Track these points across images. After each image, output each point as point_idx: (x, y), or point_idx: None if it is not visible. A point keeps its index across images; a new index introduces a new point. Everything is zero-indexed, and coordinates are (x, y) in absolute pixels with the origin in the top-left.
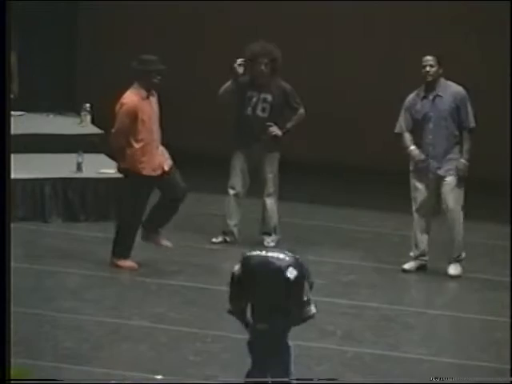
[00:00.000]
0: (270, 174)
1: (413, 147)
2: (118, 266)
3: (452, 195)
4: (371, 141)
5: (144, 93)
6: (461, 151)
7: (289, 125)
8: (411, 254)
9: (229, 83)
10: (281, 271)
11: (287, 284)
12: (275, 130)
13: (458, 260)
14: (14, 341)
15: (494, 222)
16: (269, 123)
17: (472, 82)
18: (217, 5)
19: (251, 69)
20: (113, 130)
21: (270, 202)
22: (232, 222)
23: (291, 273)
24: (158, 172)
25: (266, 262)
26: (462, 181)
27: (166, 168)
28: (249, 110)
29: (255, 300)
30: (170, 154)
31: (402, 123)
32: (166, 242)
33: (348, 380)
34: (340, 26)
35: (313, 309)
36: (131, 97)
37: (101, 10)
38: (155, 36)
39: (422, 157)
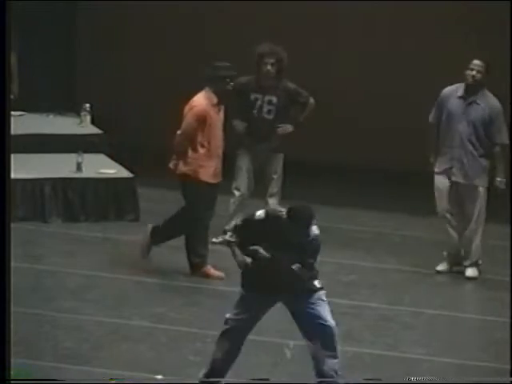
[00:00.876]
0: (275, 175)
1: (432, 158)
2: (207, 275)
3: (480, 205)
4: (371, 141)
5: (214, 98)
6: (493, 166)
7: (300, 117)
8: (444, 253)
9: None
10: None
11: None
12: (286, 129)
13: (476, 264)
14: (14, 341)
15: (493, 222)
16: (277, 125)
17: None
18: (217, 5)
19: (258, 69)
20: (179, 132)
21: (273, 203)
22: None
23: (316, 229)
24: (217, 180)
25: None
26: (484, 190)
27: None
28: (255, 113)
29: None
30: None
31: (432, 113)
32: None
33: (348, 380)
34: (341, 26)
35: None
36: (201, 100)
37: (100, 10)
38: (155, 36)
39: (441, 169)
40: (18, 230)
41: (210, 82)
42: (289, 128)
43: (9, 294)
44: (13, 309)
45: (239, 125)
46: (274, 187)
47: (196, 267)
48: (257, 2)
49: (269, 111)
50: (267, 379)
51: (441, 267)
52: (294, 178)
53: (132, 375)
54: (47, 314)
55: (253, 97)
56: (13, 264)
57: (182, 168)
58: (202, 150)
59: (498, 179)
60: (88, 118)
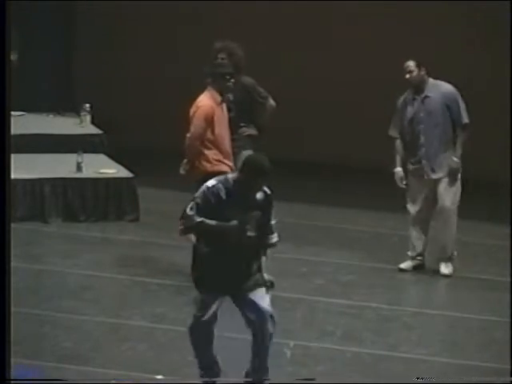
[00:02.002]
0: None
1: (398, 169)
2: None
3: (447, 195)
4: (371, 141)
5: (218, 97)
6: (455, 148)
7: (261, 122)
8: (408, 253)
9: None
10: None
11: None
12: (249, 131)
13: (450, 259)
14: (14, 341)
15: (493, 222)
16: (242, 124)
17: (472, 82)
18: (217, 5)
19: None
20: (188, 135)
21: None
22: None
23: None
24: None
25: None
26: (456, 180)
27: None
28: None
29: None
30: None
31: (393, 126)
32: None
33: (348, 380)
34: (340, 26)
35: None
36: (206, 100)
37: (100, 10)
38: (155, 36)
39: (403, 183)
40: (17, 230)
41: (212, 81)
42: (252, 131)
43: (9, 294)
44: (13, 309)
45: None
46: None
47: None
48: (257, 2)
49: (229, 109)
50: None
51: (404, 265)
52: (292, 178)
53: (132, 375)
54: (47, 314)
55: None
56: (13, 264)
57: (201, 167)
58: (214, 149)
59: (454, 159)
60: (88, 118)
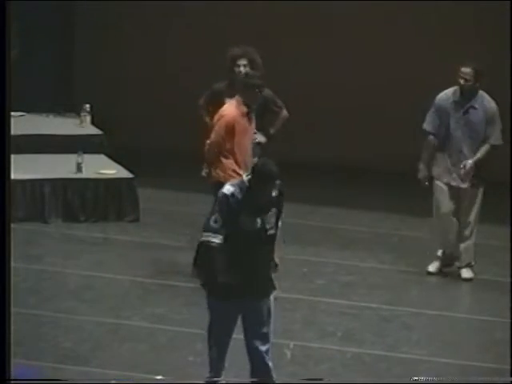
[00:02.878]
0: None
1: (422, 166)
2: None
3: (476, 207)
4: (371, 141)
5: (244, 108)
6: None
7: (272, 130)
8: (438, 254)
9: (207, 93)
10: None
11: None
12: (258, 138)
13: (470, 266)
14: (14, 341)
15: (493, 222)
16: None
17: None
18: (217, 4)
19: (231, 72)
20: (208, 141)
21: None
22: None
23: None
24: None
25: None
26: (481, 192)
27: None
28: None
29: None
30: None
31: (429, 121)
32: None
33: (348, 380)
34: (340, 27)
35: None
36: (231, 109)
37: (100, 10)
38: (155, 36)
39: (426, 183)
40: (17, 231)
41: (241, 91)
42: (261, 138)
43: (9, 294)
44: (13, 309)
45: None
46: None
47: None
48: (257, 2)
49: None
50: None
51: (432, 268)
52: (292, 179)
53: (132, 375)
54: (47, 315)
55: (226, 102)
56: (13, 264)
57: (215, 175)
58: (231, 159)
59: (469, 161)
60: (88, 118)
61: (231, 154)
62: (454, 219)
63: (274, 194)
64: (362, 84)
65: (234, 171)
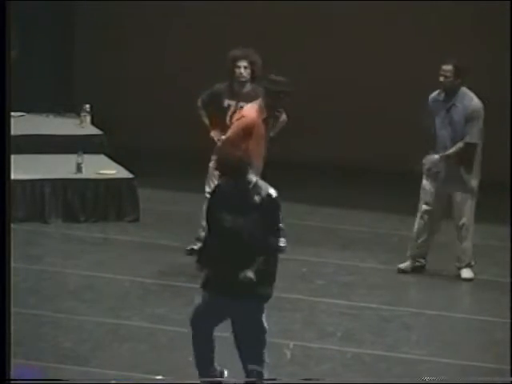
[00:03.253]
0: None
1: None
2: None
3: (466, 207)
4: (371, 141)
5: (265, 113)
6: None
7: (271, 134)
8: (408, 253)
9: (207, 93)
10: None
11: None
12: None
13: (470, 266)
14: (14, 341)
15: (493, 222)
16: None
17: (471, 82)
18: (217, 4)
19: (230, 74)
20: (223, 137)
21: None
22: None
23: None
24: None
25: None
26: (475, 192)
27: None
28: (227, 120)
29: None
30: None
31: (425, 119)
32: None
33: (348, 380)
34: (340, 26)
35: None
36: (252, 112)
37: (100, 10)
38: (155, 36)
39: (435, 170)
40: (18, 231)
41: (264, 96)
42: None
43: (9, 294)
44: (13, 309)
45: (216, 136)
46: None
47: None
48: (257, 2)
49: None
50: (274, 379)
51: (403, 265)
52: (292, 179)
53: (132, 375)
54: (47, 315)
55: (226, 103)
56: (13, 264)
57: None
58: None
59: (436, 156)
60: (88, 118)
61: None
62: (430, 217)
63: (258, 198)
64: (362, 84)
65: None
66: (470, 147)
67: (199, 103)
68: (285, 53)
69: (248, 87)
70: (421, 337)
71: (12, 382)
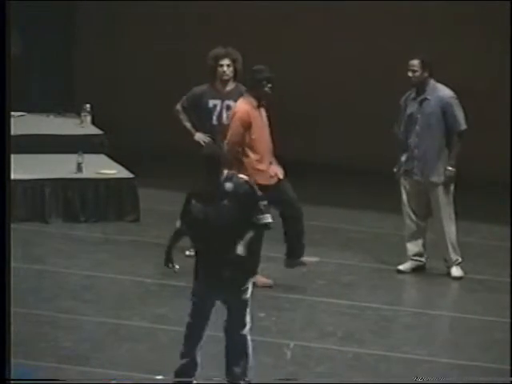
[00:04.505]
0: None
1: (397, 167)
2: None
3: (441, 202)
4: (371, 141)
5: (255, 102)
6: (449, 156)
7: None
8: (408, 253)
9: (186, 97)
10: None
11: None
12: None
13: (457, 264)
14: (14, 341)
15: (493, 222)
16: None
17: (472, 82)
18: (217, 4)
19: (213, 73)
20: (226, 141)
21: None
22: None
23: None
24: (273, 181)
25: None
26: (450, 186)
27: (281, 176)
28: (214, 120)
29: None
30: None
31: (397, 124)
32: (311, 259)
33: (348, 380)
34: (341, 27)
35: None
36: (242, 106)
37: (100, 10)
38: (155, 36)
39: (403, 170)
40: (18, 231)
41: (248, 87)
42: None
43: (9, 294)
44: (13, 309)
45: (201, 138)
46: None
47: None
48: (257, 3)
49: (228, 116)
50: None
51: (403, 267)
52: (292, 179)
53: (132, 375)
54: (47, 315)
55: (211, 103)
56: (13, 264)
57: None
58: (253, 155)
59: (450, 168)
60: (88, 118)
61: (252, 149)
62: (413, 216)
63: (228, 186)
64: (362, 84)
65: (255, 168)
66: (461, 135)
67: (179, 108)
68: (284, 53)
69: (231, 85)
70: (421, 337)
71: (12, 381)
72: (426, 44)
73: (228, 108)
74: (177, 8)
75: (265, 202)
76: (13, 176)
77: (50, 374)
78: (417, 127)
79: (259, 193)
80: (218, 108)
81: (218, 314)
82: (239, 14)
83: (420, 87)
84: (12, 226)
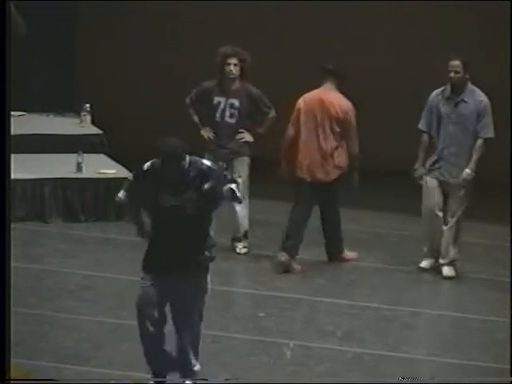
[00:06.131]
0: (239, 179)
1: (417, 165)
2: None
3: (461, 204)
4: (371, 141)
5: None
6: (471, 160)
7: (260, 130)
8: (424, 249)
9: (195, 91)
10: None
11: None
12: (246, 137)
13: (453, 264)
14: (14, 341)
15: (493, 222)
16: (240, 130)
17: (472, 82)
18: (217, 5)
19: (220, 71)
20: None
21: (240, 207)
22: None
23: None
24: (311, 178)
25: None
26: (468, 190)
27: (334, 176)
28: (217, 116)
29: None
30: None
31: (424, 120)
32: (351, 255)
33: (348, 380)
34: (342, 27)
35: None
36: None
37: (100, 10)
38: (155, 36)
39: (421, 181)
40: (17, 230)
41: (334, 80)
42: (248, 137)
43: (9, 294)
44: (13, 309)
45: (206, 133)
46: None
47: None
48: (257, 3)
49: (231, 115)
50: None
51: (425, 264)
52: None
53: (132, 375)
54: (47, 314)
55: (216, 100)
56: (13, 264)
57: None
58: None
59: (468, 171)
60: (88, 118)
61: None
62: (440, 215)
63: (191, 173)
64: (362, 84)
65: (301, 164)
66: (486, 142)
67: (188, 101)
68: (284, 53)
69: (237, 84)
70: (421, 337)
71: (12, 381)
72: (426, 44)
73: (232, 106)
74: (177, 8)
75: (230, 177)
76: (13, 176)
77: (50, 374)
78: (450, 128)
79: (220, 170)
80: (222, 105)
81: (218, 313)
82: (239, 14)
83: (458, 88)
84: (12, 225)
